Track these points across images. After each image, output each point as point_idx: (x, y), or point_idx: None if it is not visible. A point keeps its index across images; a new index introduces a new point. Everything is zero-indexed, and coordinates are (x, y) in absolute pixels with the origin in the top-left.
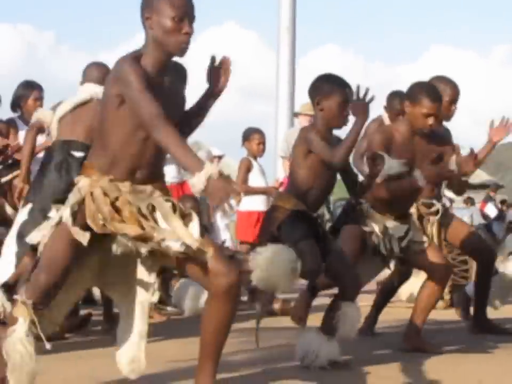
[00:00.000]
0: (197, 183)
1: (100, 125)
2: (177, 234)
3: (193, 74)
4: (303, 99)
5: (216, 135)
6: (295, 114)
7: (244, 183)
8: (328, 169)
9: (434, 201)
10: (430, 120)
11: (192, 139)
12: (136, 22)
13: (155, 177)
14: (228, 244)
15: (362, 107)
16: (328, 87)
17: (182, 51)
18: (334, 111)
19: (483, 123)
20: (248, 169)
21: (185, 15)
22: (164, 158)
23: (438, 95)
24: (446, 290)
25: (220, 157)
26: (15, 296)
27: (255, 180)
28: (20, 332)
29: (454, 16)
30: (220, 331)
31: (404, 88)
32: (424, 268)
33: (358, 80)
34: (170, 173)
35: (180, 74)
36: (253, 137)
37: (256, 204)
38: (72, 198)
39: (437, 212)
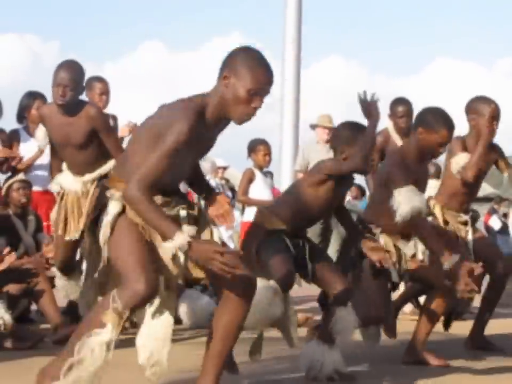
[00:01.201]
0: (168, 249)
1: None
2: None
3: (198, 81)
4: (307, 110)
5: (221, 145)
6: (312, 126)
7: (245, 194)
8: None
9: (461, 215)
10: (443, 149)
11: None
12: (141, 34)
13: (176, 188)
14: None
15: (371, 107)
16: (350, 134)
17: (242, 122)
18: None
19: None
20: (250, 180)
21: (262, 91)
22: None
23: (452, 123)
24: None
25: (224, 168)
26: (112, 303)
27: (258, 191)
28: (104, 337)
29: (458, 29)
30: (229, 334)
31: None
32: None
33: (362, 91)
34: None
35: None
36: (258, 148)
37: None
38: (112, 209)
39: (466, 223)
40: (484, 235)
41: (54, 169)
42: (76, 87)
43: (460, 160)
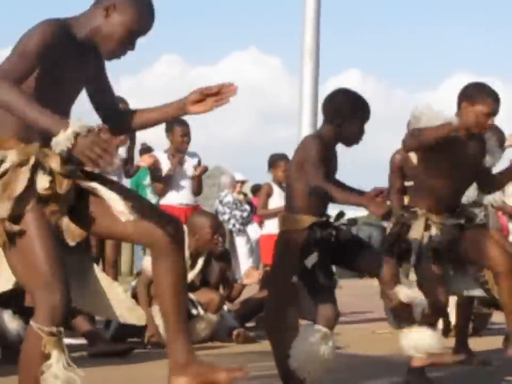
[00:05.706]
0: (62, 140)
1: None
2: None
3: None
4: None
5: (239, 160)
6: None
7: (264, 208)
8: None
9: None
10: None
11: (215, 165)
12: (158, 48)
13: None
14: (248, 267)
15: (380, 205)
16: (350, 108)
17: (110, 59)
18: (354, 133)
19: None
20: (269, 194)
21: (141, 34)
22: None
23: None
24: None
25: (243, 182)
26: (37, 329)
27: (275, 205)
28: (57, 365)
29: (476, 43)
30: (177, 289)
31: None
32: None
33: (380, 106)
34: (184, 195)
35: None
36: (278, 164)
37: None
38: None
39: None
40: None
41: None
42: None
43: None
